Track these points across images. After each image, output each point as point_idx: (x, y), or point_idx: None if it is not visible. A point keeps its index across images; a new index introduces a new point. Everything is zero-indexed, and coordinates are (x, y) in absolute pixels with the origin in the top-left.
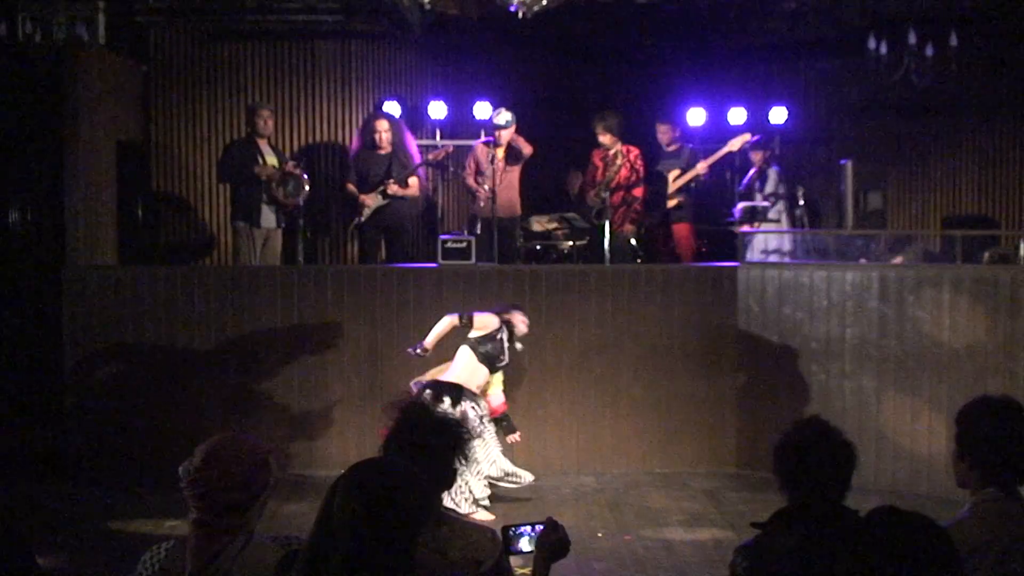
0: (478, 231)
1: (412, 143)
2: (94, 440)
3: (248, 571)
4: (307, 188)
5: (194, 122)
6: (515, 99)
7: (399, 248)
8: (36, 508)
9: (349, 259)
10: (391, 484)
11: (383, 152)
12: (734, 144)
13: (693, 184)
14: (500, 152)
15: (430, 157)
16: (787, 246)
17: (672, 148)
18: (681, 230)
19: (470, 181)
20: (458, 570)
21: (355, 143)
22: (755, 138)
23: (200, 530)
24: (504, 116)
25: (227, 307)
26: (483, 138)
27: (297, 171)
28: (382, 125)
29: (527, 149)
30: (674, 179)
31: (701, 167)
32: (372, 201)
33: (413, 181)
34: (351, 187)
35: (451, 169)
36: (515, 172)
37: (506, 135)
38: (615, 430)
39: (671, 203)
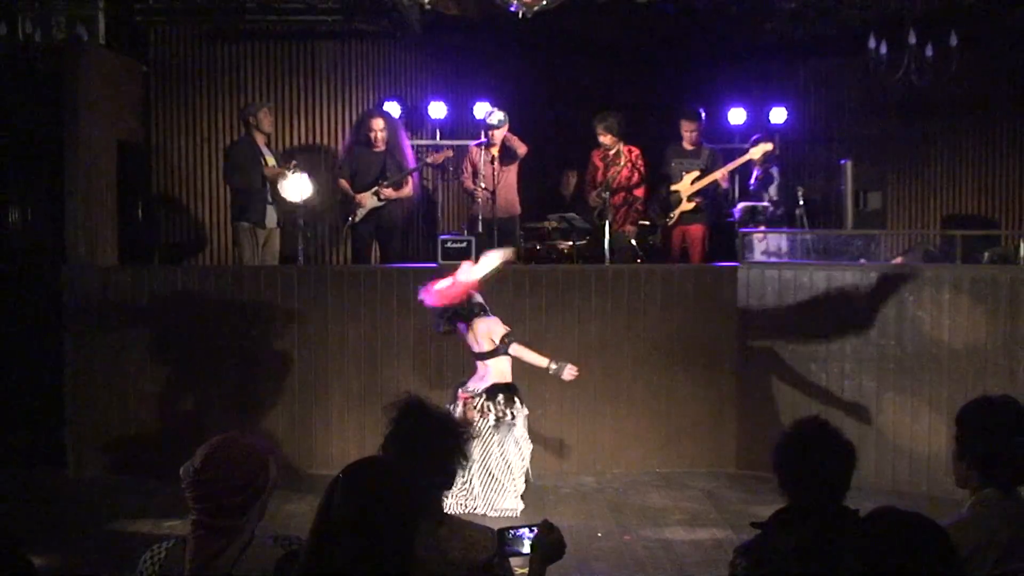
0: (478, 231)
1: (407, 143)
2: (94, 439)
3: (248, 572)
4: (309, 188)
5: (194, 122)
6: (515, 99)
7: (392, 248)
8: (35, 508)
9: (342, 259)
10: (385, 483)
11: (378, 150)
12: (754, 153)
13: (716, 188)
14: (495, 152)
15: (429, 160)
16: (785, 247)
17: (692, 148)
18: (696, 232)
19: (468, 183)
20: (457, 570)
21: (348, 139)
22: (755, 137)
23: (200, 531)
24: (496, 116)
25: (227, 307)
26: (477, 140)
27: (299, 171)
28: (377, 124)
29: (521, 149)
30: (692, 181)
31: (720, 175)
32: (368, 202)
33: (407, 183)
34: (344, 184)
35: (450, 169)
36: (512, 171)
37: (499, 135)
38: (615, 430)
39: (688, 205)
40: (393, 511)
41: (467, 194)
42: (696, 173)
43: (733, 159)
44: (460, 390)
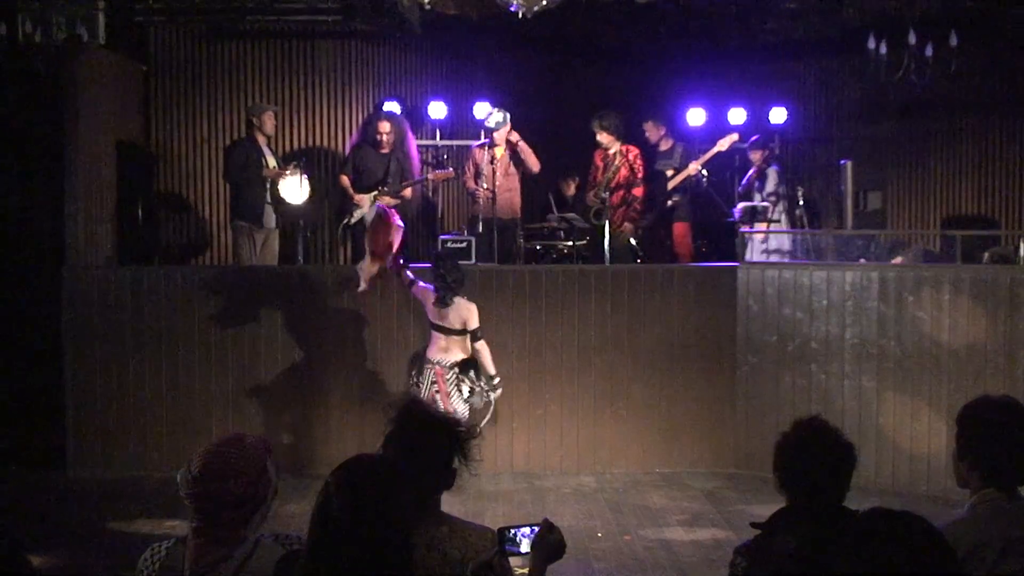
0: (479, 231)
1: (413, 145)
2: (94, 439)
3: (250, 573)
4: (308, 189)
5: (194, 122)
6: (515, 99)
7: None
8: (35, 508)
9: (341, 260)
10: (380, 482)
11: (383, 152)
12: (722, 144)
13: (691, 183)
14: (499, 152)
15: (431, 176)
16: (787, 246)
17: (665, 147)
18: (679, 229)
19: (470, 184)
20: (457, 570)
21: (355, 137)
22: (754, 138)
23: (200, 539)
24: (495, 118)
25: (227, 307)
26: (480, 141)
27: (299, 173)
28: (384, 127)
29: (535, 168)
30: (670, 179)
31: (692, 168)
32: (366, 205)
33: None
34: (345, 181)
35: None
36: (516, 175)
37: (500, 136)
38: (615, 430)
39: (667, 203)
40: (389, 509)
41: (469, 194)
42: (671, 172)
43: (734, 159)
44: (432, 367)
